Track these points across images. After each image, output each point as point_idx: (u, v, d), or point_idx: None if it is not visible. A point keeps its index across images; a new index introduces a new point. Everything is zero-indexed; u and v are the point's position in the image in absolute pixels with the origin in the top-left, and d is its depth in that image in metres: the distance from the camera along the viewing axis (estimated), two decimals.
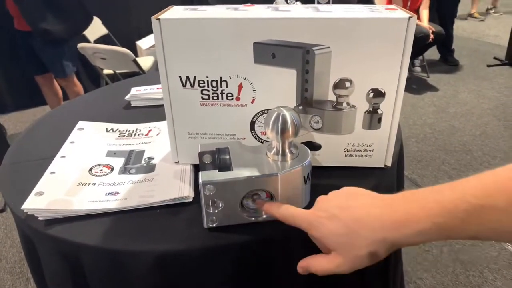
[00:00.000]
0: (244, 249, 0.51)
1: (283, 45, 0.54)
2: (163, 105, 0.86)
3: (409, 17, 0.51)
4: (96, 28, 3.03)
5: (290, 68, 0.55)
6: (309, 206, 0.54)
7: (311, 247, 0.56)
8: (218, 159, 0.55)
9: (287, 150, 0.51)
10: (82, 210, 0.55)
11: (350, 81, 0.55)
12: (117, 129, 0.77)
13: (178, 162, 0.65)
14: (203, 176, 0.49)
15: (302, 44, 0.53)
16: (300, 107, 0.58)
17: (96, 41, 2.93)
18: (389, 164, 0.62)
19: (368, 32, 0.52)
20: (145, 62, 2.88)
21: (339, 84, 0.56)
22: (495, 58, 3.90)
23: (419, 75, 3.74)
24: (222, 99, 0.58)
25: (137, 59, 2.82)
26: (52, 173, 0.63)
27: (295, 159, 0.52)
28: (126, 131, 0.77)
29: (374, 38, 0.52)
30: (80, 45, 2.16)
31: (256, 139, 0.61)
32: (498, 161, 2.33)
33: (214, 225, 0.51)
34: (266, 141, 0.61)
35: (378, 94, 0.56)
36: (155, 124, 0.79)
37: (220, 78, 0.56)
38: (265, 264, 0.52)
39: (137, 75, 2.28)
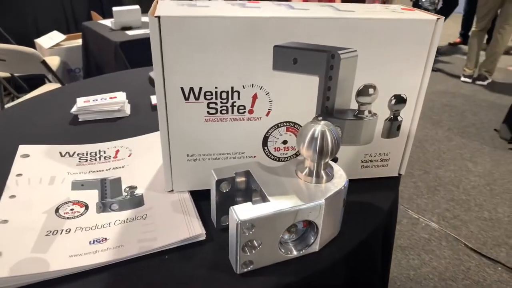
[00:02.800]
0: None
1: (306, 48, 0.46)
2: (120, 118, 0.72)
3: (437, 19, 0.47)
4: None
5: (312, 75, 0.48)
6: (340, 233, 0.48)
7: (354, 276, 0.50)
8: (239, 186, 0.46)
9: (323, 171, 0.44)
10: (63, 270, 0.41)
11: (374, 88, 0.50)
12: (74, 152, 0.62)
13: (172, 190, 0.53)
14: (239, 212, 0.39)
15: (326, 47, 0.47)
16: (320, 118, 0.51)
17: None
18: (403, 172, 0.59)
19: (395, 34, 0.47)
20: (50, 63, 2.55)
21: (363, 91, 0.50)
22: None
23: None
24: (232, 112, 0.49)
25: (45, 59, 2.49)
26: (4, 221, 0.47)
27: (331, 180, 0.45)
28: (87, 153, 0.62)
29: (400, 40, 0.48)
30: None
31: (268, 156, 0.54)
32: (415, 149, 2.53)
33: (249, 268, 0.42)
34: (279, 158, 0.54)
35: (400, 100, 0.52)
36: (121, 142, 0.66)
37: (232, 88, 0.47)
38: None
39: (39, 77, 1.99)
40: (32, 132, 0.71)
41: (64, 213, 0.49)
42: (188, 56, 0.44)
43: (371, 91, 0.51)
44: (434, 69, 3.94)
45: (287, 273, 0.43)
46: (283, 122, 0.51)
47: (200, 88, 0.47)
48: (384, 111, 0.53)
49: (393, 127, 0.54)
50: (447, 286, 1.58)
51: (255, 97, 0.48)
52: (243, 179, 0.47)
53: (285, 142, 0.53)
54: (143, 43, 2.14)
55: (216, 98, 0.47)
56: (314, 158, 0.43)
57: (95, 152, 0.63)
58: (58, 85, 1.99)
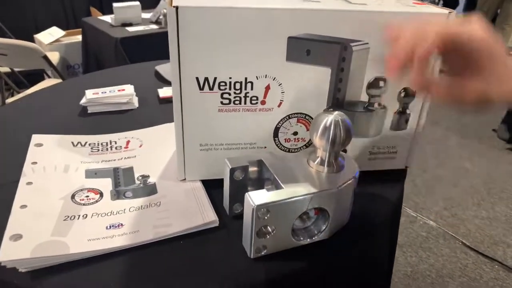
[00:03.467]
0: (298, 277, 0.44)
1: (319, 40, 0.48)
2: (129, 110, 0.74)
3: (449, 12, 0.49)
4: None
5: (325, 66, 0.49)
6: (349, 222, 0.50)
7: (362, 264, 0.52)
8: (253, 174, 0.47)
9: (335, 161, 0.46)
10: (83, 253, 0.42)
11: (385, 80, 0.52)
12: (86, 142, 0.63)
13: (184, 179, 0.55)
14: (254, 198, 0.40)
15: (339, 39, 0.48)
16: (330, 110, 0.52)
17: None
18: (409, 165, 0.60)
19: None
20: (50, 58, 2.55)
21: (374, 84, 0.52)
22: None
23: None
24: (245, 103, 0.50)
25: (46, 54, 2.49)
26: (23, 206, 0.48)
27: (343, 169, 0.46)
28: (98, 144, 0.63)
29: None
30: None
31: (278, 147, 0.55)
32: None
33: (263, 253, 0.43)
34: (289, 149, 0.55)
35: (409, 93, 0.54)
36: (132, 133, 0.67)
37: (246, 79, 0.48)
38: None
39: (39, 73, 1.99)
40: (43, 123, 0.72)
41: (80, 200, 0.50)
42: (204, 46, 0.45)
43: (381, 83, 0.52)
44: None
45: (299, 258, 0.44)
46: (294, 114, 0.52)
47: (215, 79, 0.48)
48: (393, 104, 0.54)
49: (401, 120, 0.55)
50: (444, 283, 1.60)
51: (267, 88, 0.49)
52: (255, 168, 0.48)
53: (295, 133, 0.54)
54: (144, 39, 2.15)
55: (230, 89, 0.49)
56: (326, 147, 0.44)
57: (106, 143, 0.64)
58: (58, 81, 1.99)
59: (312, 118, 0.52)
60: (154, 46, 1.98)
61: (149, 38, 2.15)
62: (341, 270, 0.48)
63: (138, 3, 2.40)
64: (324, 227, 0.45)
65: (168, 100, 0.81)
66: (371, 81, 0.51)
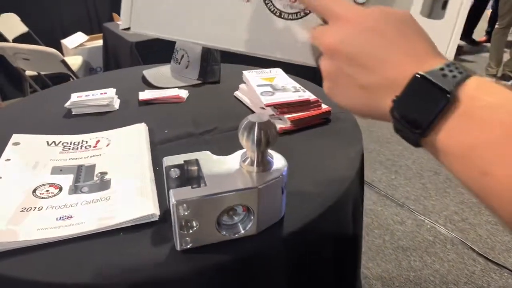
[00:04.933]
0: (224, 270, 0.47)
1: None
2: (108, 112, 0.79)
3: None
4: (14, 26, 2.76)
5: None
6: (285, 217, 0.52)
7: (294, 263, 0.54)
8: (187, 173, 0.51)
9: (263, 160, 0.49)
10: (30, 240, 0.47)
11: None
12: (60, 142, 0.69)
13: (129, 28, 0.41)
14: (175, 195, 0.44)
15: None
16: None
17: (15, 40, 2.67)
18: None
19: None
20: (73, 62, 2.68)
21: None
22: None
23: None
24: None
25: (64, 59, 2.62)
26: None
27: (271, 169, 0.49)
28: (71, 143, 0.69)
29: None
30: None
31: (266, 4, 0.39)
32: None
33: (188, 246, 0.47)
34: (281, 11, 0.40)
35: None
36: (103, 133, 0.72)
37: None
38: (247, 284, 0.49)
39: (64, 76, 2.11)
40: (30, 124, 0.79)
41: (40, 194, 0.56)
42: None
43: None
44: None
45: (224, 252, 0.47)
46: None
47: None
48: None
49: (437, 2, 0.41)
50: None
51: None
52: (194, 167, 0.51)
53: None
54: (157, 44, 2.23)
55: None
56: (253, 148, 0.47)
57: (78, 142, 0.69)
58: None
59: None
60: (167, 50, 2.05)
61: (162, 42, 2.22)
62: (273, 265, 0.51)
63: None
64: (250, 224, 0.48)
65: (147, 102, 0.86)
66: None
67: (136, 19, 0.40)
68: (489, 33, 4.57)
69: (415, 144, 0.30)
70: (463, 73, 0.28)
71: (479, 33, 4.75)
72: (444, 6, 0.41)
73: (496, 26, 3.48)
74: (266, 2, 0.39)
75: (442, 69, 0.29)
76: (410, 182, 2.21)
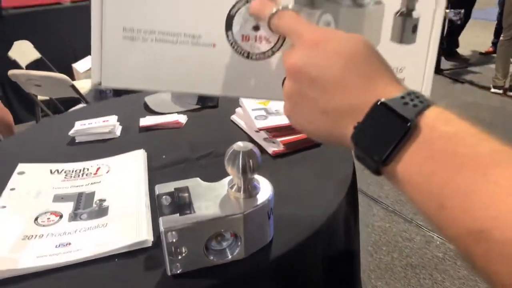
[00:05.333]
0: None
1: None
2: (110, 139, 0.82)
3: None
4: (28, 53, 2.86)
5: None
6: (273, 241, 0.54)
7: (284, 286, 0.56)
8: (177, 200, 0.53)
9: (248, 187, 0.51)
10: (29, 268, 0.50)
11: None
12: (63, 170, 0.72)
13: (100, 84, 0.40)
14: (164, 222, 0.46)
15: None
16: (240, 144, 0.47)
17: (28, 66, 2.77)
18: None
19: None
20: (83, 85, 2.76)
21: None
22: None
23: None
24: None
25: (75, 83, 2.70)
26: None
27: (258, 194, 0.51)
28: (73, 171, 0.72)
29: None
30: (11, 72, 2.02)
31: (233, 47, 0.40)
32: None
33: (178, 271, 0.49)
34: (249, 54, 0.41)
35: None
36: (103, 161, 0.75)
37: None
38: None
39: (75, 100, 2.17)
40: (35, 152, 0.82)
41: (41, 221, 0.59)
42: None
43: None
44: (461, 81, 3.84)
45: (213, 276, 0.49)
46: None
47: None
48: (393, 1, 0.41)
49: (407, 26, 0.41)
50: None
51: None
52: (185, 194, 0.54)
53: (256, 28, 0.40)
54: None
55: None
56: (238, 176, 0.49)
57: (80, 169, 0.72)
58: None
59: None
60: None
61: None
62: (258, 286, 0.52)
63: None
64: (238, 248, 0.50)
65: (147, 129, 0.90)
66: None
67: (106, 74, 0.40)
68: (495, 44, 4.56)
69: (376, 172, 0.30)
70: (424, 103, 0.28)
71: (485, 44, 4.75)
72: (415, 30, 0.41)
73: (501, 38, 3.48)
74: (233, 45, 0.40)
75: (403, 97, 0.29)
76: None
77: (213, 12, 0.39)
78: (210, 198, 0.51)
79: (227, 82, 0.41)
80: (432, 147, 0.27)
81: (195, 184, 0.54)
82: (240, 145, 0.49)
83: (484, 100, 3.45)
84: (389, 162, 0.29)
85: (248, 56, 0.41)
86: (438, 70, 4.02)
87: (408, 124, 0.27)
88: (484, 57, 4.57)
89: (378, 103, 0.29)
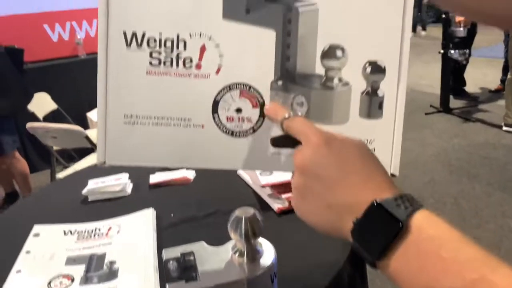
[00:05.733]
0: None
1: None
2: (122, 197, 0.85)
3: None
4: (45, 104, 2.99)
5: (268, 28, 0.44)
6: None
7: None
8: (183, 265, 0.55)
9: (251, 251, 0.53)
10: None
11: (342, 49, 0.44)
12: (76, 231, 0.75)
13: (104, 162, 0.46)
14: None
15: None
16: (280, 82, 0.46)
17: (45, 117, 2.88)
18: (396, 172, 0.48)
19: None
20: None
21: (329, 53, 0.44)
22: (431, 106, 4.22)
23: None
24: (177, 66, 0.44)
25: (89, 131, 2.78)
26: None
27: (261, 258, 0.53)
28: (85, 231, 0.75)
29: None
30: (29, 125, 2.11)
31: (219, 127, 0.46)
32: (450, 207, 2.46)
33: None
34: (233, 132, 0.47)
35: (377, 68, 0.45)
36: (114, 220, 0.78)
37: (178, 36, 0.44)
38: None
39: (89, 149, 2.24)
40: (50, 212, 0.86)
41: (54, 286, 0.61)
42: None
43: (339, 53, 0.44)
44: (472, 120, 3.85)
45: None
46: (236, 84, 0.45)
47: (143, 34, 0.44)
48: (359, 81, 0.45)
49: (373, 103, 0.46)
50: None
51: (203, 49, 0.44)
52: (190, 258, 0.56)
53: (239, 110, 0.46)
54: None
55: (160, 47, 0.44)
56: (241, 241, 0.51)
57: (92, 230, 0.75)
58: None
59: (258, 93, 0.46)
60: None
61: None
62: None
63: None
64: None
65: (157, 186, 0.93)
66: (325, 49, 0.44)
67: (109, 154, 0.46)
68: (503, 81, 4.59)
69: (372, 265, 0.33)
70: (414, 205, 0.32)
71: (494, 82, 4.78)
72: (381, 106, 0.46)
73: (509, 76, 3.51)
74: (219, 125, 0.46)
75: (396, 199, 0.33)
76: None
77: (201, 99, 0.45)
78: (214, 262, 0.53)
79: (215, 157, 0.46)
80: (419, 247, 0.31)
81: (200, 249, 0.56)
82: (242, 210, 0.51)
83: (496, 139, 3.43)
84: (382, 258, 0.32)
85: (232, 134, 0.46)
86: (447, 110, 4.05)
87: (400, 225, 0.31)
88: (494, 95, 4.58)
89: (375, 203, 0.33)
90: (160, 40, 0.44)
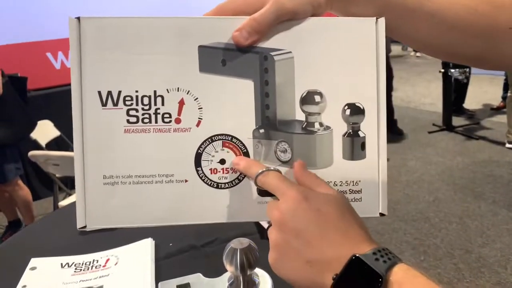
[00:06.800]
0: None
1: (235, 49, 0.44)
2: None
3: (376, 18, 0.44)
4: (47, 131, 3.01)
5: (246, 79, 0.45)
6: None
7: None
8: None
9: (248, 282, 0.52)
10: None
11: (321, 94, 0.45)
12: (73, 263, 0.74)
13: (85, 226, 0.44)
14: None
15: (258, 48, 0.44)
16: (261, 130, 0.46)
17: (48, 144, 2.90)
18: (385, 211, 0.47)
19: (334, 34, 0.45)
20: None
21: (308, 99, 0.45)
22: (434, 124, 4.22)
23: None
24: (156, 122, 0.44)
25: None
26: None
27: None
28: (83, 264, 0.74)
29: (340, 42, 0.45)
30: (31, 153, 2.12)
31: (203, 180, 0.45)
32: (455, 226, 2.42)
33: None
34: (218, 184, 0.46)
35: (356, 110, 0.46)
36: (112, 251, 0.77)
37: (155, 92, 0.43)
38: None
39: None
40: (48, 244, 0.85)
41: None
42: (107, 56, 0.43)
43: (317, 98, 0.45)
44: (475, 137, 3.84)
45: None
46: (217, 135, 0.45)
47: (119, 92, 0.43)
48: (340, 124, 0.46)
49: (355, 144, 0.46)
50: None
51: (181, 103, 0.44)
52: None
53: (222, 161, 0.45)
54: None
55: (137, 104, 0.43)
56: (237, 273, 0.51)
57: (90, 262, 0.74)
58: None
59: (241, 142, 0.45)
60: None
61: None
62: None
63: None
64: None
65: None
66: (304, 95, 0.45)
67: (90, 217, 0.44)
68: (504, 98, 4.60)
69: None
70: (392, 260, 0.33)
71: (495, 99, 4.79)
72: (363, 147, 0.46)
73: (509, 93, 3.53)
74: (203, 178, 0.45)
75: (374, 253, 0.33)
76: (441, 263, 2.12)
77: (183, 153, 0.44)
78: None
79: (201, 211, 0.45)
80: None
81: (196, 281, 0.55)
82: (237, 242, 0.51)
83: (499, 156, 3.42)
84: None
85: (218, 186, 0.45)
86: (450, 128, 4.04)
87: (380, 280, 0.32)
88: (496, 112, 4.59)
89: (353, 257, 0.33)
90: (137, 97, 0.43)
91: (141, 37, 0.42)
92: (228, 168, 0.45)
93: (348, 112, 0.45)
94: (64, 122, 3.22)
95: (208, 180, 0.45)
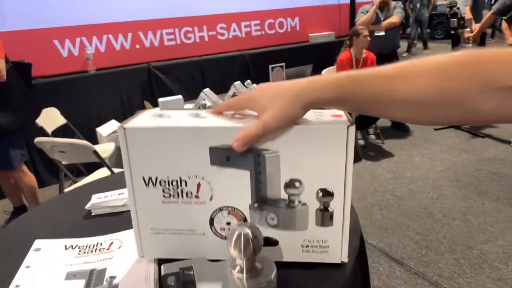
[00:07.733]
0: None
1: None
2: (124, 212, 0.85)
3: (348, 126, 0.55)
4: (54, 119, 3.02)
5: (244, 170, 0.59)
6: None
7: None
8: (182, 280, 0.55)
9: (251, 267, 0.52)
10: None
11: (300, 181, 0.59)
12: (77, 245, 0.75)
13: (142, 256, 0.67)
14: None
15: (254, 148, 0.57)
16: (256, 205, 0.61)
17: (54, 132, 2.91)
18: (345, 259, 0.63)
19: (311, 138, 0.56)
20: (106, 149, 2.87)
21: (290, 184, 0.59)
22: None
23: (374, 142, 3.94)
24: (182, 197, 0.62)
25: (98, 146, 2.80)
26: None
27: (260, 275, 0.52)
28: (87, 246, 0.75)
29: (317, 143, 0.57)
30: (37, 139, 2.13)
31: (216, 234, 0.64)
32: (458, 222, 2.42)
33: None
34: (224, 237, 0.63)
35: (327, 193, 0.59)
36: (116, 235, 0.77)
37: (180, 178, 0.61)
38: None
39: (98, 164, 2.25)
40: (53, 227, 0.86)
41: None
42: (146, 154, 0.59)
43: (297, 184, 0.59)
44: (480, 135, 3.81)
45: None
46: (224, 207, 0.62)
47: (156, 178, 0.61)
48: (314, 203, 0.60)
49: (325, 217, 0.61)
50: None
51: (199, 185, 0.61)
52: (190, 273, 0.55)
53: (228, 223, 0.63)
54: None
55: (169, 186, 0.61)
56: (240, 257, 0.51)
57: (93, 245, 0.75)
58: (110, 171, 2.23)
59: (241, 212, 0.62)
60: None
61: None
62: None
63: (180, 96, 2.69)
64: None
65: None
66: (287, 182, 0.59)
67: (145, 250, 0.67)
68: None
69: None
70: None
71: None
72: (331, 218, 0.61)
73: None
74: (215, 233, 0.64)
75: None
76: (442, 257, 2.12)
77: (201, 217, 0.63)
78: (213, 278, 0.52)
79: (213, 252, 0.63)
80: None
81: (200, 264, 0.55)
82: (241, 226, 0.51)
83: (505, 154, 3.39)
84: None
85: (225, 238, 0.63)
86: (457, 125, 4.02)
87: None
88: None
89: None
90: (168, 181, 0.61)
91: (169, 140, 0.58)
92: (231, 227, 0.62)
93: (320, 194, 0.60)
94: (70, 110, 3.23)
95: (219, 234, 0.64)
